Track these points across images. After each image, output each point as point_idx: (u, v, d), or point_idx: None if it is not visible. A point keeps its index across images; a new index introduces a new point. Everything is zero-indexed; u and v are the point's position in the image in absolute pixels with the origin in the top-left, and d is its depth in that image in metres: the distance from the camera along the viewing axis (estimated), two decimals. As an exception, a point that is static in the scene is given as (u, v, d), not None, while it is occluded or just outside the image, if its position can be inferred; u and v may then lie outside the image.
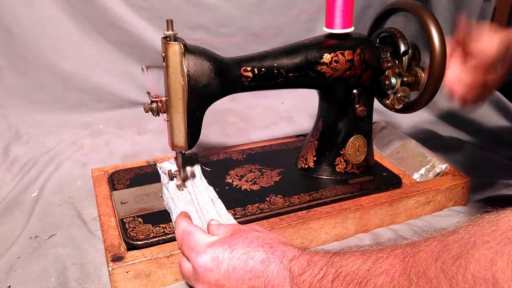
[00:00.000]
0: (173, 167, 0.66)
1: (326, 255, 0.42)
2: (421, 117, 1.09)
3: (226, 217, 0.60)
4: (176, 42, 0.54)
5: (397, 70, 0.65)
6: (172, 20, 0.54)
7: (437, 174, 0.73)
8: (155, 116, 0.60)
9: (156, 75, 1.13)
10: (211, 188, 0.65)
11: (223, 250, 0.48)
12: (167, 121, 0.59)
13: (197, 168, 0.68)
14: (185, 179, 0.65)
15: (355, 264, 0.39)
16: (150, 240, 0.56)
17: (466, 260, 0.30)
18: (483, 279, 0.28)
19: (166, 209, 0.62)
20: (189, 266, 0.51)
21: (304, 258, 0.44)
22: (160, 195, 0.65)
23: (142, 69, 0.65)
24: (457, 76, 0.66)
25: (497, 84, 0.68)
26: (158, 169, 0.68)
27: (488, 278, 0.28)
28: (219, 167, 0.74)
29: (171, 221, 0.59)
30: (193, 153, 0.73)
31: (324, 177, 0.71)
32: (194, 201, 0.62)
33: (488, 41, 0.65)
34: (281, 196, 0.65)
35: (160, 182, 0.67)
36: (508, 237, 0.29)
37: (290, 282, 0.43)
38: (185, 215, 0.57)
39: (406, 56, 0.66)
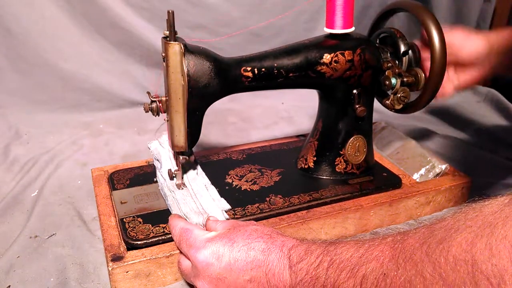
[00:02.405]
0: (163, 152, 0.67)
1: (323, 244, 0.44)
2: (420, 117, 1.09)
3: (219, 201, 0.62)
4: (176, 42, 0.54)
5: (397, 70, 0.65)
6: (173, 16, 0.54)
7: (437, 175, 0.73)
8: (155, 116, 0.60)
9: (156, 75, 1.14)
10: (204, 174, 0.67)
11: (223, 244, 0.48)
12: (167, 121, 0.59)
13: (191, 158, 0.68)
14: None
15: (348, 252, 0.40)
16: (150, 240, 0.56)
17: (449, 243, 0.31)
18: (463, 260, 0.29)
19: (166, 209, 0.62)
20: (187, 263, 0.51)
21: (302, 247, 0.45)
22: (155, 179, 0.65)
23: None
24: None
25: (475, 82, 0.73)
26: (150, 150, 0.68)
27: (467, 259, 0.29)
28: (219, 167, 0.74)
29: (171, 221, 0.59)
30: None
31: (324, 177, 0.71)
32: (188, 187, 0.63)
33: (470, 43, 0.69)
34: (281, 196, 0.65)
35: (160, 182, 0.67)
36: (489, 221, 0.30)
37: (289, 270, 0.44)
38: (179, 217, 0.57)
39: (406, 56, 0.66)
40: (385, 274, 0.35)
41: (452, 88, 0.72)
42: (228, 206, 0.62)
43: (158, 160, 0.67)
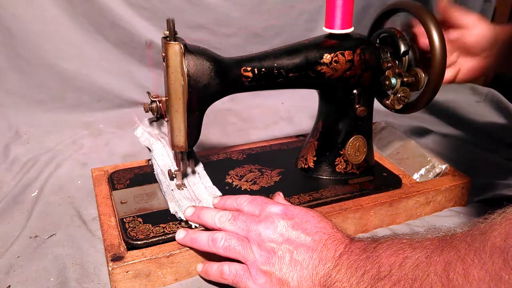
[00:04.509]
0: (143, 135, 0.69)
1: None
2: (420, 117, 1.09)
3: (211, 189, 0.64)
4: (176, 42, 0.54)
5: (397, 71, 0.65)
6: (173, 19, 0.54)
7: (437, 175, 0.73)
8: (155, 116, 0.60)
9: (156, 75, 1.13)
10: (201, 164, 0.69)
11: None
12: (167, 121, 0.59)
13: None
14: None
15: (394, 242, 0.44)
16: (150, 240, 0.56)
17: (489, 234, 0.35)
18: (499, 247, 0.33)
19: (166, 209, 0.62)
20: (236, 267, 0.51)
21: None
22: (149, 162, 0.67)
23: (146, 42, 0.66)
24: None
25: (477, 74, 0.74)
26: (137, 138, 0.70)
27: (502, 247, 0.33)
28: (219, 167, 0.74)
29: (171, 221, 0.59)
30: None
31: (324, 177, 0.71)
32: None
33: (479, 28, 0.70)
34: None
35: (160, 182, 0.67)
36: None
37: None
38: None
39: (406, 56, 0.66)
40: (428, 256, 0.38)
41: (453, 73, 0.72)
42: (219, 193, 0.64)
43: (148, 148, 0.68)
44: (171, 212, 0.60)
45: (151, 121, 0.68)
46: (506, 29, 0.71)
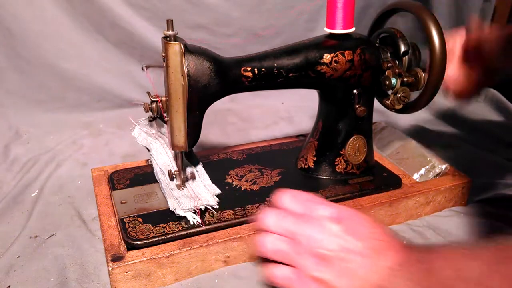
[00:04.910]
0: (140, 135, 0.68)
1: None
2: (420, 117, 1.09)
3: (210, 187, 0.65)
4: (176, 42, 0.54)
5: (397, 70, 0.65)
6: (172, 20, 0.54)
7: (437, 175, 0.73)
8: (152, 116, 0.61)
9: (156, 75, 1.13)
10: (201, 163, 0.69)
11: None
12: (167, 121, 0.59)
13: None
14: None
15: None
16: (150, 240, 0.56)
17: None
18: None
19: (166, 209, 0.61)
20: (285, 270, 0.48)
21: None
22: (148, 161, 0.67)
23: (142, 69, 0.66)
24: (454, 73, 0.69)
25: (494, 82, 0.73)
26: (135, 138, 0.69)
27: None
28: (219, 167, 0.74)
29: (171, 222, 0.59)
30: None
31: (324, 177, 0.71)
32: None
33: (491, 41, 0.67)
34: (281, 196, 0.65)
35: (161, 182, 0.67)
36: None
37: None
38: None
39: (406, 56, 0.66)
40: (490, 270, 0.37)
41: (481, 89, 0.71)
42: (218, 191, 0.64)
43: (147, 148, 0.68)
44: (170, 209, 0.60)
45: (149, 120, 0.68)
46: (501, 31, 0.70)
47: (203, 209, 0.60)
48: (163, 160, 0.66)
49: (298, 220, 0.48)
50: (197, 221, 0.58)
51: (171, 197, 0.62)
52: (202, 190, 0.64)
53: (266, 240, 0.49)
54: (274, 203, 0.52)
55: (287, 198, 0.51)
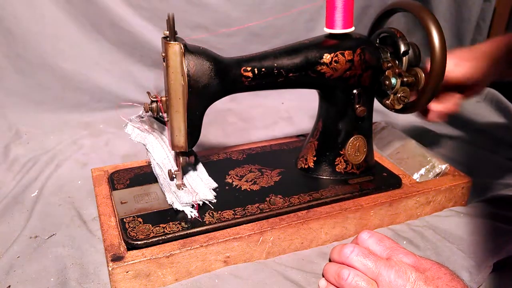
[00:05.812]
0: (133, 131, 0.68)
1: None
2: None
3: (207, 181, 0.65)
4: (176, 42, 0.54)
5: (397, 70, 0.65)
6: (173, 14, 0.54)
7: (437, 174, 0.73)
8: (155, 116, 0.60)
9: (156, 75, 1.14)
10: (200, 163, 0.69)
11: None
12: (167, 121, 0.59)
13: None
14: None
15: None
16: (150, 240, 0.56)
17: None
18: None
19: (166, 209, 0.62)
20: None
21: None
22: (147, 154, 0.67)
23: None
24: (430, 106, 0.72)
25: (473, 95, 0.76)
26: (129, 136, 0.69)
27: None
28: (219, 167, 0.74)
29: (171, 222, 0.59)
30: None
31: (324, 177, 0.71)
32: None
33: (459, 69, 0.69)
34: (281, 196, 0.65)
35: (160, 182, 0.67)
36: None
37: None
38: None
39: (406, 56, 0.66)
40: None
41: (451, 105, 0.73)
42: (215, 184, 0.65)
43: (143, 144, 0.68)
44: (168, 203, 0.60)
45: (140, 117, 0.68)
46: (498, 43, 0.71)
47: (201, 204, 0.61)
48: (160, 154, 0.66)
49: (381, 262, 0.50)
50: (195, 215, 0.59)
51: (169, 191, 0.62)
52: (199, 185, 0.64)
53: (347, 273, 0.50)
54: (358, 242, 0.54)
55: (372, 240, 0.53)
